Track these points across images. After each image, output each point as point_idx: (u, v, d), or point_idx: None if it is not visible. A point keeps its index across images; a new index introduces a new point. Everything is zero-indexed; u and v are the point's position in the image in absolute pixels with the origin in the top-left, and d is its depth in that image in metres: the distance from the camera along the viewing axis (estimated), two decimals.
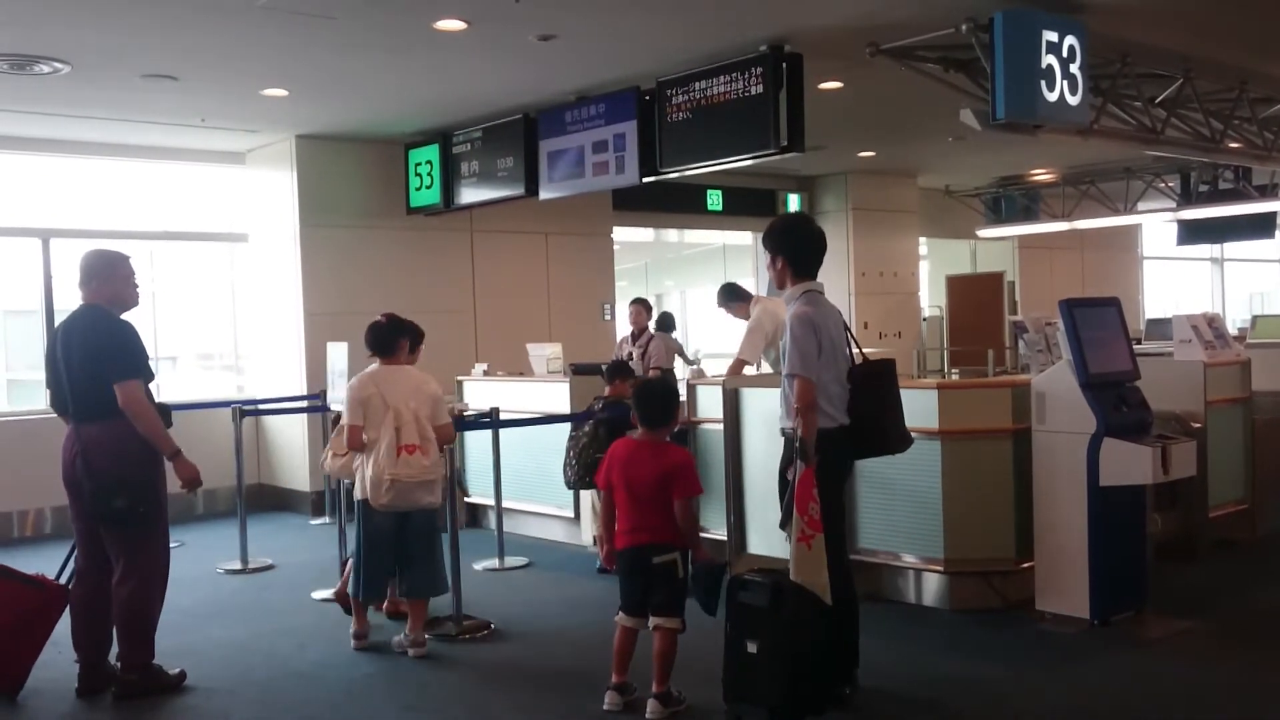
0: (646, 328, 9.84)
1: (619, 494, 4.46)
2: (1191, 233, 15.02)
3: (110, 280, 4.88)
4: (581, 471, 6.74)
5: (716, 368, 8.59)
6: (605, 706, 4.46)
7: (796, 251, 4.55)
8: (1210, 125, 8.17)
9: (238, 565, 7.40)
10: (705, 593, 4.34)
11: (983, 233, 14.51)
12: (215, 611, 6.31)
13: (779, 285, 4.61)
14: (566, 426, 7.10)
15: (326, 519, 8.98)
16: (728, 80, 6.95)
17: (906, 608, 5.88)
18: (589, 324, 11.02)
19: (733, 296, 7.88)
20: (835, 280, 12.38)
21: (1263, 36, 7.14)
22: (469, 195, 9.15)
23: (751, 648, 4.12)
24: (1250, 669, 4.86)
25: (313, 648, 5.55)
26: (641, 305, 9.90)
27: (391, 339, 5.54)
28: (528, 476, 7.79)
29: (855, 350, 4.55)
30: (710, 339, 15.72)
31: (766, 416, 5.85)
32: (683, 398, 7.05)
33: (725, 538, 6.49)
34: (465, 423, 6.26)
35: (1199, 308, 14.23)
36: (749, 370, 7.22)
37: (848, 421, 4.45)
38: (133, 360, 4.75)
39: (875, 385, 4.52)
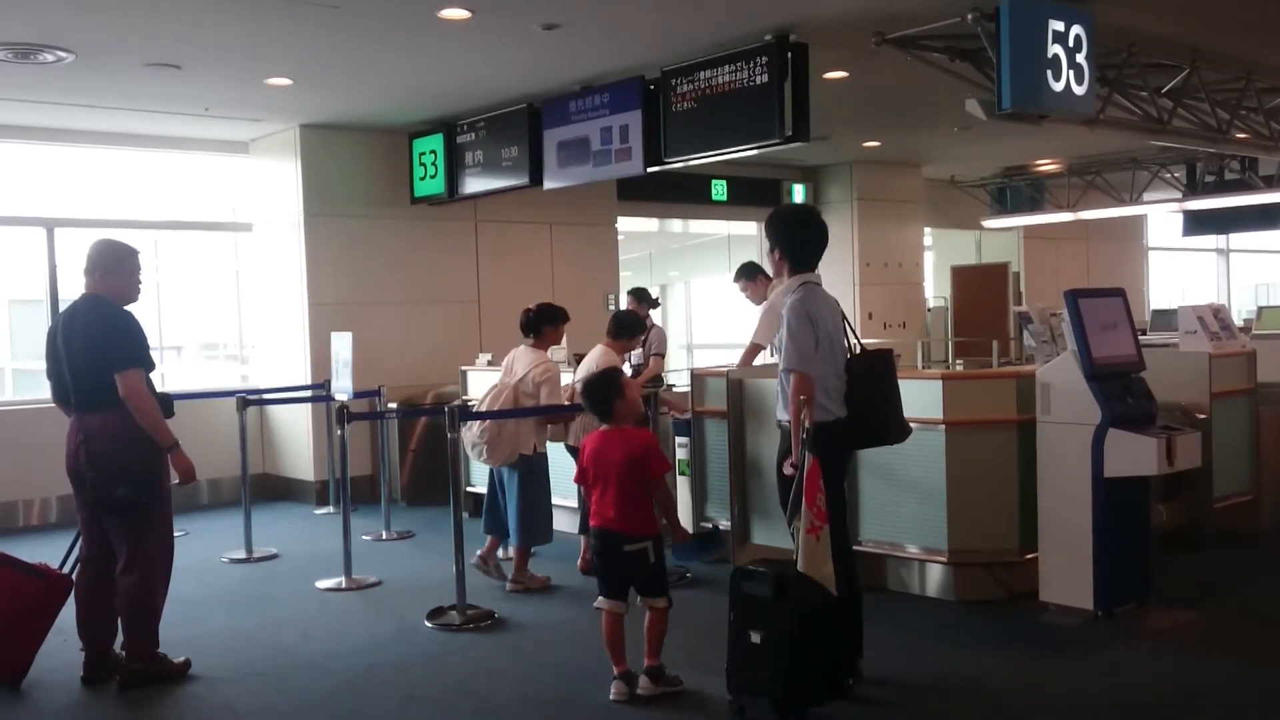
0: (646, 317, 9.80)
1: (595, 482, 4.52)
2: (1197, 223, 14.99)
3: (115, 273, 4.88)
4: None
5: (720, 358, 8.58)
6: (612, 697, 4.47)
7: (794, 243, 4.53)
8: (1217, 115, 8.13)
9: (242, 555, 7.42)
10: (704, 551, 4.40)
11: (988, 223, 14.47)
12: (220, 601, 6.32)
13: (777, 276, 4.61)
14: None
15: (331, 508, 9.00)
16: (732, 70, 6.93)
17: (910, 598, 5.88)
18: (593, 314, 10.99)
19: (750, 275, 7.88)
20: (840, 271, 12.37)
21: (1269, 26, 7.11)
22: (473, 185, 9.14)
23: (755, 638, 4.13)
24: (1254, 660, 4.86)
25: (317, 637, 5.57)
26: (638, 296, 9.87)
27: (533, 324, 6.48)
28: None
29: (854, 341, 4.54)
30: (714, 329, 15.73)
31: (770, 407, 5.84)
32: (688, 390, 7.08)
33: (729, 528, 6.50)
34: (466, 412, 6.32)
35: (1204, 299, 14.18)
36: (763, 355, 7.18)
37: (845, 414, 4.44)
38: (134, 350, 4.74)
39: (874, 376, 4.51)
